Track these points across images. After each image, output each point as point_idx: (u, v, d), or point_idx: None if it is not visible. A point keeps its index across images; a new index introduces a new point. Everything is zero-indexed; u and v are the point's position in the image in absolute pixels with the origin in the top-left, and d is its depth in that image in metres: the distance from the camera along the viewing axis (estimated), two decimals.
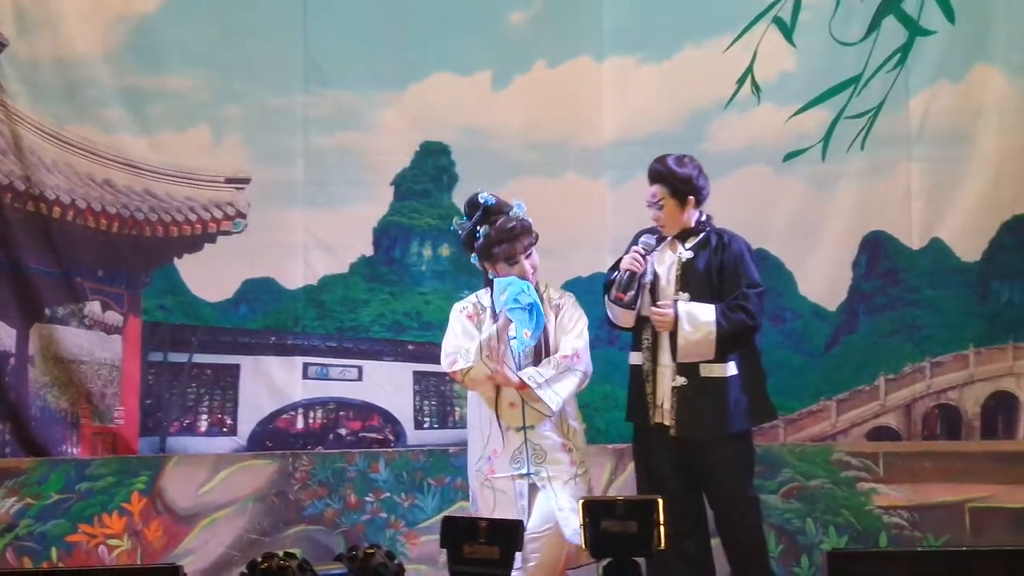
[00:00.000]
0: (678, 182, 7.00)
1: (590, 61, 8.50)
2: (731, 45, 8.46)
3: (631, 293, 6.95)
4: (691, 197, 7.00)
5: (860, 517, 8.13)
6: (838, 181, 8.44)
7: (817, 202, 8.43)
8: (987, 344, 8.48)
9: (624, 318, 7.06)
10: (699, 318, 6.84)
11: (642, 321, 7.03)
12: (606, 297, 7.13)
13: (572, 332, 6.96)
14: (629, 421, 7.20)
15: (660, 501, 6.01)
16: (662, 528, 5.95)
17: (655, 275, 7.03)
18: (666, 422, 6.93)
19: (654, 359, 6.98)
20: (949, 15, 8.41)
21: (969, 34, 8.41)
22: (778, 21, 8.46)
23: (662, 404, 6.93)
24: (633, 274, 6.93)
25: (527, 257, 6.93)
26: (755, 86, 8.46)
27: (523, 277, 6.87)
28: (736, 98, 8.45)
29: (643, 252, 6.97)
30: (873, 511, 8.13)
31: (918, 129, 8.42)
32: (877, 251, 8.46)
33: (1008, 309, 8.50)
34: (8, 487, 8.16)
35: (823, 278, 8.41)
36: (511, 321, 6.78)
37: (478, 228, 6.88)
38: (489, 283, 7.00)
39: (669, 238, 7.06)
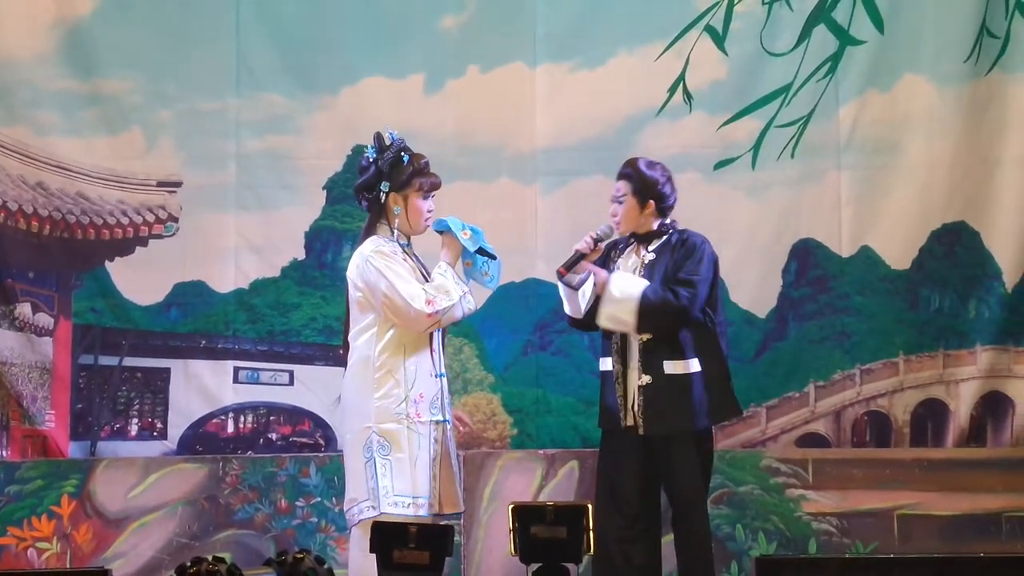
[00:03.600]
0: (643, 183, 6.99)
1: (523, 67, 8.53)
2: (663, 53, 8.51)
3: (577, 276, 6.93)
4: (652, 202, 6.99)
5: (789, 523, 8.16)
6: (768, 189, 8.50)
7: (747, 210, 8.49)
8: (917, 352, 8.54)
9: (569, 302, 7.00)
10: (628, 288, 6.82)
11: None
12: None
13: None
14: (600, 427, 7.15)
15: (589, 507, 6.05)
16: (591, 534, 5.98)
17: None
18: (633, 423, 6.92)
19: (624, 362, 6.96)
20: (879, 25, 8.47)
21: (898, 44, 8.49)
22: (710, 30, 8.51)
23: (631, 406, 6.93)
24: (581, 255, 6.92)
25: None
26: (687, 94, 8.50)
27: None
28: (668, 106, 8.50)
29: (595, 236, 6.95)
30: (802, 518, 8.16)
31: (847, 138, 8.48)
32: (807, 258, 8.51)
33: (938, 317, 8.56)
34: None
35: (753, 285, 8.45)
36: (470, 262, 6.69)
37: (403, 154, 6.70)
38: (373, 226, 6.72)
39: (635, 243, 7.06)
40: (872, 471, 8.19)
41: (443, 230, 6.69)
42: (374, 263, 6.55)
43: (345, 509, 6.62)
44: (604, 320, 6.84)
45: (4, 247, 8.45)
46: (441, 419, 6.63)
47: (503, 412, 8.50)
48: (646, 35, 8.51)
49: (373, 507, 6.45)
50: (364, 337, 6.62)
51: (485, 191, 8.51)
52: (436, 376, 6.66)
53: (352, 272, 6.67)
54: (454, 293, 6.56)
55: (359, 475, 6.53)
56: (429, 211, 6.72)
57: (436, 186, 6.74)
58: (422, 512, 6.48)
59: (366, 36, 8.56)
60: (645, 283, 6.81)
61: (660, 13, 8.54)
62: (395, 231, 6.67)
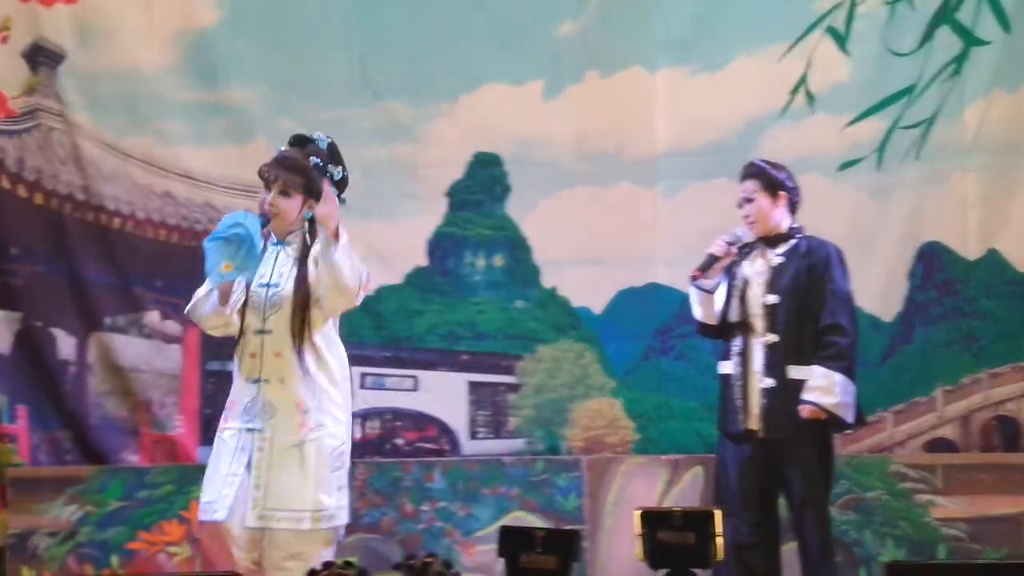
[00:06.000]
0: (770, 177, 7.02)
1: (642, 71, 8.51)
2: (785, 55, 8.45)
3: (710, 281, 6.95)
4: (782, 192, 7.00)
5: (918, 529, 8.09)
6: (893, 191, 8.41)
7: (872, 212, 8.41)
8: None
9: (703, 307, 7.03)
10: (820, 383, 6.82)
11: (732, 328, 7.02)
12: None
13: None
14: (719, 430, 7.17)
15: (718, 513, 6.03)
16: (719, 539, 5.97)
17: (746, 280, 7.03)
18: (754, 426, 6.92)
19: (745, 366, 6.96)
20: (1004, 25, 8.35)
21: None
22: (832, 30, 8.45)
23: (752, 409, 6.92)
24: (714, 257, 6.94)
25: (283, 196, 6.53)
26: (809, 95, 8.43)
27: (264, 212, 6.53)
28: (790, 108, 8.44)
29: (729, 240, 6.97)
30: (931, 523, 8.08)
31: (973, 139, 8.37)
32: (933, 261, 8.42)
33: None
34: (69, 494, 8.21)
35: (879, 288, 8.35)
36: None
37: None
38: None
39: (761, 246, 7.05)
40: (1001, 476, 8.10)
41: None
42: None
43: None
44: (844, 409, 6.86)
45: (132, 255, 8.57)
46: (252, 427, 6.28)
47: (625, 417, 8.49)
48: (766, 37, 8.46)
49: None
50: None
51: (604, 196, 8.50)
52: (254, 381, 6.32)
53: None
54: (198, 292, 6.55)
55: None
56: (282, 212, 6.56)
57: (266, 179, 6.59)
58: (216, 517, 6.22)
59: (485, 43, 8.59)
60: (814, 370, 6.83)
61: (780, 15, 8.49)
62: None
